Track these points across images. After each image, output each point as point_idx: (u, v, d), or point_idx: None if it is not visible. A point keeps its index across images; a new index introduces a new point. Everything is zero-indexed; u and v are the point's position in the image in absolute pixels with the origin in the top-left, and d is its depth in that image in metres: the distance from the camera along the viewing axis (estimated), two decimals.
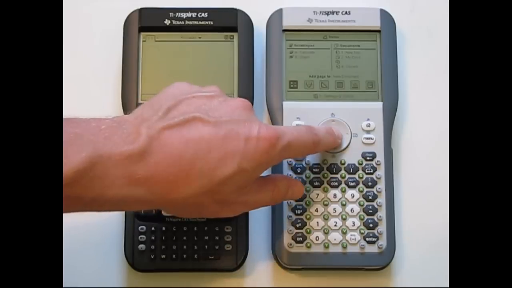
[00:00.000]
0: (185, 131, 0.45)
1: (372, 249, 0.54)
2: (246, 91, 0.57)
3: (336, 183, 0.55)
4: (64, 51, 0.56)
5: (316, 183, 0.55)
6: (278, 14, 0.58)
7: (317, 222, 0.55)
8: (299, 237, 0.55)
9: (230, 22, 0.58)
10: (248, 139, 0.46)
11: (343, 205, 0.55)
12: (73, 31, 0.60)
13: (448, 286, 0.50)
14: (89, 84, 0.59)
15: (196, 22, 0.58)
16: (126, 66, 0.57)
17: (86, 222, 0.56)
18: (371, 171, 0.55)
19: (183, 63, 0.58)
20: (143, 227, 0.55)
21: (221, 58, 0.58)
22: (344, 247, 0.54)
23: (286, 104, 0.57)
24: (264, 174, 0.49)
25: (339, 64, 0.58)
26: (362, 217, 0.55)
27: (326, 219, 0.55)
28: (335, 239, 0.54)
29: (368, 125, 0.56)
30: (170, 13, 0.58)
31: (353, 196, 0.55)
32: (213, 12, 0.58)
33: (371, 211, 0.55)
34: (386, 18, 0.59)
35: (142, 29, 0.58)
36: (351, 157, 0.56)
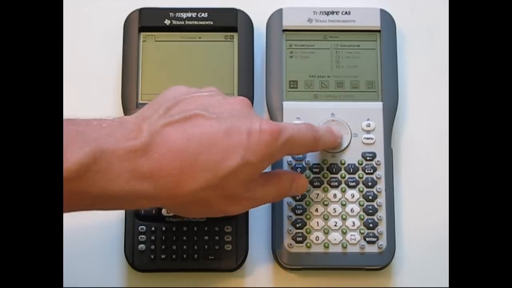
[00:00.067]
0: (187, 127, 0.45)
1: (372, 249, 0.54)
2: (246, 91, 0.57)
3: (336, 183, 0.55)
4: (64, 51, 0.56)
5: (316, 183, 0.55)
6: (278, 14, 0.58)
7: (317, 222, 0.55)
8: (299, 237, 0.55)
9: (230, 22, 0.58)
10: (250, 133, 0.46)
11: (343, 205, 0.55)
12: (73, 31, 0.60)
13: (448, 286, 0.50)
14: (89, 84, 0.60)
15: (196, 22, 0.58)
16: (126, 66, 0.57)
17: (86, 222, 0.56)
18: (371, 171, 0.55)
19: (183, 63, 0.58)
20: (143, 227, 0.55)
21: (221, 58, 0.58)
22: (344, 247, 0.54)
23: (286, 104, 0.57)
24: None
25: (339, 64, 0.58)
26: (362, 217, 0.55)
27: (326, 219, 0.55)
28: (335, 239, 0.54)
29: (368, 125, 0.56)
30: (170, 13, 0.58)
31: (353, 196, 0.55)
32: (213, 12, 0.58)
33: (371, 211, 0.55)
34: (386, 18, 0.59)
35: (142, 29, 0.58)
36: (351, 157, 0.56)
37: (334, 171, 0.55)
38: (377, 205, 0.55)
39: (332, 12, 0.58)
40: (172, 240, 0.55)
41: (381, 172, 0.55)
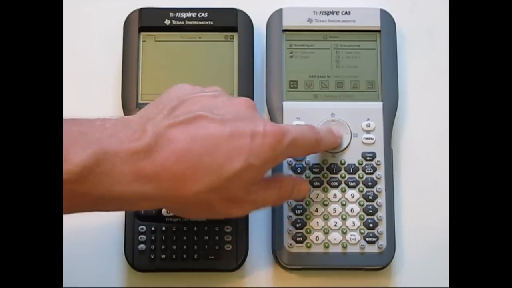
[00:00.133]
0: (191, 129, 0.45)
1: (372, 249, 0.54)
2: (246, 91, 0.57)
3: (336, 183, 0.55)
4: (64, 51, 0.56)
5: (316, 183, 0.55)
6: (278, 14, 0.58)
7: (317, 222, 0.55)
8: (299, 237, 0.55)
9: (230, 22, 0.58)
10: (254, 136, 0.46)
11: (343, 205, 0.55)
12: (73, 31, 0.60)
13: (448, 286, 0.50)
14: (89, 84, 0.59)
15: (196, 22, 0.58)
16: (126, 66, 0.57)
17: (86, 222, 0.56)
18: (371, 171, 0.55)
19: (183, 63, 0.58)
20: (143, 227, 0.55)
21: (221, 58, 0.58)
22: (344, 247, 0.54)
23: (286, 104, 0.57)
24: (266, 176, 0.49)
25: (339, 64, 0.58)
26: (362, 217, 0.55)
27: (326, 219, 0.55)
28: (335, 239, 0.54)
29: (368, 125, 0.56)
30: (170, 13, 0.58)
31: (353, 196, 0.55)
32: (213, 12, 0.58)
33: (371, 211, 0.55)
34: (386, 18, 0.59)
35: (142, 29, 0.58)
36: (351, 157, 0.56)
37: (334, 171, 0.55)
38: (377, 205, 0.55)
39: (332, 12, 0.58)
40: (172, 240, 0.55)
41: (381, 172, 0.55)
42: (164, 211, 0.55)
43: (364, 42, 0.58)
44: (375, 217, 0.55)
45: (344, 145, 0.56)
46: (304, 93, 0.57)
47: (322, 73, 0.58)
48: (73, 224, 0.54)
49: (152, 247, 0.54)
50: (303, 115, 0.56)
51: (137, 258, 0.55)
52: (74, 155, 0.42)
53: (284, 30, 0.58)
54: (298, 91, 0.57)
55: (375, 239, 0.54)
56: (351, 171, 0.55)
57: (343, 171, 0.55)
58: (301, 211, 0.55)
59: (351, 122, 0.56)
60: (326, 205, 0.55)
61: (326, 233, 0.55)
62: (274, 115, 0.57)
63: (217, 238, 0.55)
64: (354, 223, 0.55)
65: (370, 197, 0.55)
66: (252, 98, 0.56)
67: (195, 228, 0.55)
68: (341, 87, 0.57)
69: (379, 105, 0.57)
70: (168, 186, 0.45)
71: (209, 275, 0.55)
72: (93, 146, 0.43)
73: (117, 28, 0.58)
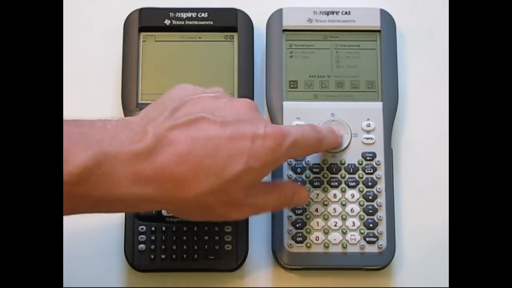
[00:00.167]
0: (192, 131, 0.45)
1: (372, 249, 0.54)
2: (246, 91, 0.57)
3: (336, 183, 0.55)
4: (64, 51, 0.56)
5: (316, 183, 0.55)
6: (278, 14, 0.58)
7: (317, 222, 0.55)
8: (299, 237, 0.55)
9: (230, 22, 0.58)
10: (254, 138, 0.46)
11: (343, 205, 0.55)
12: (74, 31, 0.60)
13: (448, 286, 0.50)
14: (89, 84, 0.60)
15: (196, 22, 0.58)
16: (126, 66, 0.57)
17: (86, 222, 0.56)
18: (371, 171, 0.55)
19: (183, 63, 0.58)
20: (143, 227, 0.55)
21: (221, 58, 0.58)
22: (344, 247, 0.54)
23: (286, 104, 0.57)
24: (266, 179, 0.49)
25: (339, 64, 0.58)
26: (362, 217, 0.55)
27: (326, 219, 0.55)
28: (335, 239, 0.54)
29: (368, 125, 0.56)
30: (170, 13, 0.58)
31: (353, 196, 0.55)
32: (213, 12, 0.58)
33: (371, 211, 0.55)
34: (386, 18, 0.59)
35: (142, 29, 0.58)
36: (351, 157, 0.56)
37: (334, 171, 0.55)
38: (377, 205, 0.55)
39: (332, 12, 0.58)
40: (172, 240, 0.55)
41: (381, 172, 0.55)
42: (164, 211, 0.55)
43: (364, 42, 0.58)
44: (375, 217, 0.55)
45: (344, 145, 0.56)
46: (304, 93, 0.57)
47: (322, 73, 0.58)
48: (73, 224, 0.54)
49: (152, 247, 0.54)
50: (303, 115, 0.56)
51: (137, 258, 0.55)
52: (75, 156, 0.42)
53: (284, 30, 0.58)
54: (298, 91, 0.57)
55: (375, 239, 0.54)
56: (351, 171, 0.55)
57: (343, 171, 0.55)
58: (301, 211, 0.55)
59: (351, 122, 0.56)
60: (326, 205, 0.55)
61: (326, 233, 0.55)
62: (274, 115, 0.57)
63: (217, 238, 0.55)
64: (354, 223, 0.55)
65: (370, 197, 0.55)
66: (252, 98, 0.56)
67: (195, 228, 0.55)
68: (341, 87, 0.57)
69: (379, 105, 0.57)
70: (169, 188, 0.44)
71: (209, 275, 0.55)
72: (94, 147, 0.43)
73: (117, 28, 0.58)
